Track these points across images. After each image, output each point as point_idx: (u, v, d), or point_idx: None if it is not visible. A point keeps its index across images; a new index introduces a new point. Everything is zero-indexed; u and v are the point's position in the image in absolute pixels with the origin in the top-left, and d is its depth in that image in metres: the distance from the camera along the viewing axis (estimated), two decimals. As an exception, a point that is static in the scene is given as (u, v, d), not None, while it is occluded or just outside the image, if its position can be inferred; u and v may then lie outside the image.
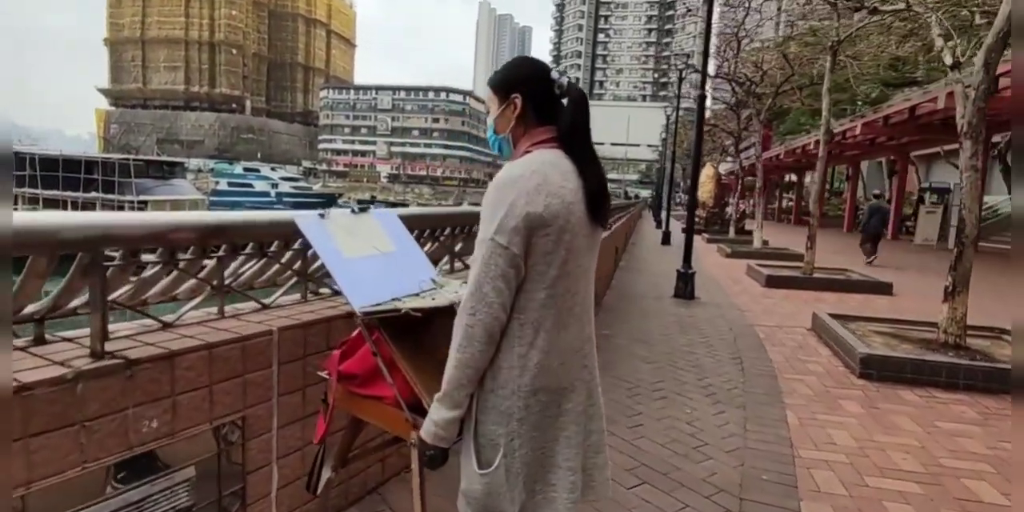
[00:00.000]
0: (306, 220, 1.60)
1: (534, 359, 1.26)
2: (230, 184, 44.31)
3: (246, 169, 47.91)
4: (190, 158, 58.63)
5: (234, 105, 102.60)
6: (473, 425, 1.30)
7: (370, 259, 1.67)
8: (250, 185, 44.06)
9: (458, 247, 3.19)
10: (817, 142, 10.79)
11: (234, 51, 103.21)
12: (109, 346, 1.48)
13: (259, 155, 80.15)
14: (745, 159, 18.08)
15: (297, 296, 2.19)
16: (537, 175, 1.23)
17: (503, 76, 1.37)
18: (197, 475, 1.60)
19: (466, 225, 3.16)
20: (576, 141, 1.32)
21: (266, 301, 2.03)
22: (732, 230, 18.27)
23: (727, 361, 4.71)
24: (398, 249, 1.79)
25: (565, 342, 1.30)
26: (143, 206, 23.12)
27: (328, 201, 46.02)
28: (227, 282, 1.82)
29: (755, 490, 2.58)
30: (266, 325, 1.84)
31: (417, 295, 1.65)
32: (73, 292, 1.49)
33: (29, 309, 1.45)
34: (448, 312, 1.60)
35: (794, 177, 31.77)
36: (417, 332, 1.58)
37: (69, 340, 1.55)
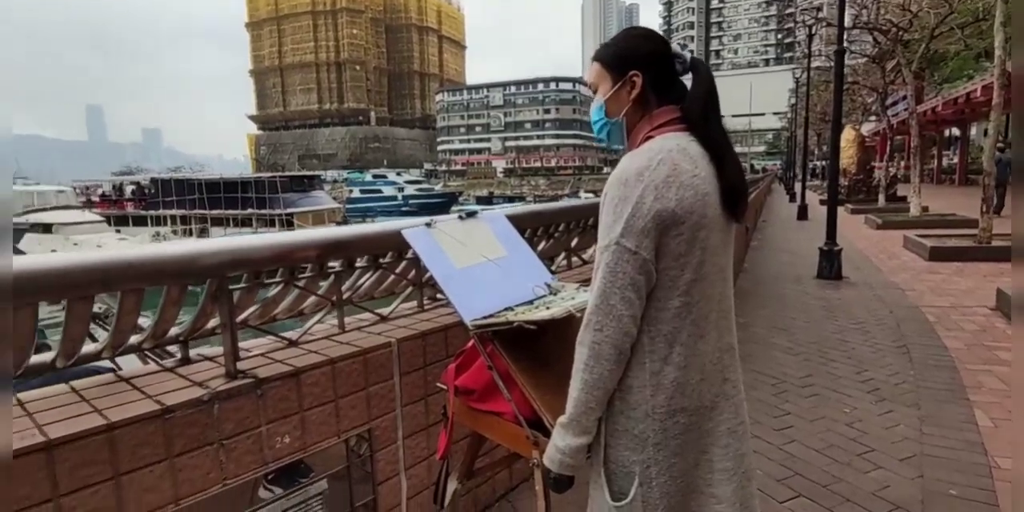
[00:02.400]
0: (413, 231, 1.56)
1: (669, 376, 1.10)
2: (362, 191, 47.72)
3: (375, 176, 51.34)
4: (326, 170, 63.91)
5: (361, 117, 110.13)
6: (602, 451, 1.16)
7: (480, 267, 1.59)
8: (379, 191, 47.16)
9: (574, 242, 3.06)
10: (986, 88, 9.17)
11: (358, 67, 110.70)
12: (241, 365, 1.55)
13: (385, 162, 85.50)
14: (893, 116, 15.92)
15: (414, 304, 2.19)
16: (665, 165, 1.06)
17: (617, 50, 1.19)
18: (329, 488, 1.63)
19: (580, 219, 3.01)
20: (707, 122, 1.13)
21: (384, 312, 2.04)
22: (882, 198, 16.22)
23: (890, 350, 4.12)
24: (509, 253, 1.70)
25: (703, 354, 1.13)
26: (290, 217, 25.56)
27: (449, 200, 47.89)
28: (345, 296, 1.84)
29: (942, 508, 2.18)
30: (385, 337, 1.85)
31: (531, 303, 1.55)
32: (208, 315, 1.57)
33: (173, 332, 1.55)
34: (565, 319, 1.48)
35: (956, 131, 27.56)
36: (533, 342, 1.48)
37: (209, 359, 1.65)
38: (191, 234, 25.39)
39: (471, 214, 1.78)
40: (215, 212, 26.38)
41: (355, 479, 1.71)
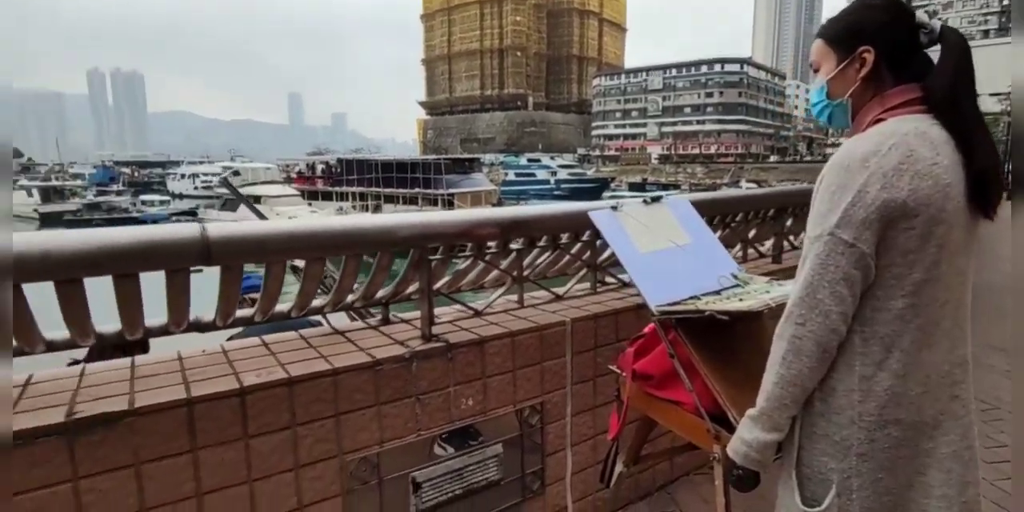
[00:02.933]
0: (599, 213, 1.58)
1: (883, 383, 1.00)
2: (516, 174, 49.06)
3: (529, 160, 52.49)
4: (484, 154, 66.68)
5: (519, 102, 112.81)
6: (795, 451, 1.09)
7: (665, 253, 1.57)
8: (533, 174, 48.14)
9: (751, 234, 2.87)
10: None
11: (519, 53, 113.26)
12: (434, 330, 1.69)
13: (540, 146, 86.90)
14: None
15: (586, 285, 2.22)
16: (898, 150, 0.95)
17: (845, 25, 1.08)
18: (504, 452, 1.73)
19: (760, 209, 2.82)
20: (955, 103, 0.99)
21: (559, 291, 2.10)
22: None
23: None
24: (694, 241, 1.65)
25: (929, 365, 1.01)
26: (451, 197, 27.16)
27: (601, 185, 47.45)
28: (525, 273, 1.92)
29: None
30: (560, 315, 1.90)
31: (718, 294, 1.49)
32: (408, 282, 1.73)
33: (379, 294, 1.73)
34: (754, 315, 1.41)
35: None
36: (718, 334, 1.43)
37: (406, 321, 1.83)
38: (367, 209, 28.08)
39: (656, 199, 1.75)
40: (387, 190, 28.89)
41: (526, 448, 1.79)
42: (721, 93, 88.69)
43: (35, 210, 32.35)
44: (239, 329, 1.81)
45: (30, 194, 34.39)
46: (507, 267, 1.89)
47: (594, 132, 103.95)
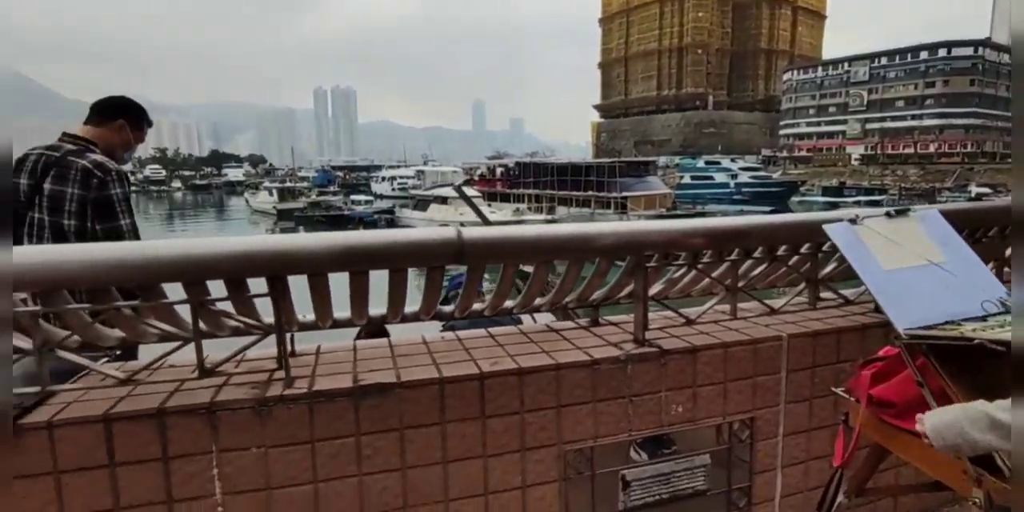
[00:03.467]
0: (837, 227, 1.49)
1: None
2: (692, 178, 46.91)
3: (707, 162, 49.86)
4: (659, 156, 64.91)
5: (697, 102, 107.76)
6: None
7: (914, 271, 1.43)
8: (710, 178, 45.65)
9: (1007, 252, 2.46)
10: None
11: (699, 51, 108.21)
12: (647, 335, 1.73)
13: (719, 148, 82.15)
14: None
15: (802, 300, 2.10)
16: None
17: None
18: (711, 463, 1.72)
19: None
20: None
21: (774, 304, 2.01)
22: None
23: None
24: (949, 259, 1.48)
25: None
26: (624, 200, 26.94)
27: (788, 190, 43.48)
28: (739, 284, 1.88)
29: None
30: (774, 330, 1.83)
31: (984, 320, 1.33)
32: (621, 286, 1.80)
33: (594, 296, 1.83)
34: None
35: None
36: (976, 365, 1.27)
37: (614, 324, 1.90)
38: (541, 211, 29.00)
39: (901, 211, 1.60)
40: (561, 193, 29.56)
41: (733, 462, 1.75)
42: (946, 82, 75.62)
43: (274, 207, 38.82)
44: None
45: (271, 194, 41.52)
46: (720, 276, 1.87)
47: (782, 131, 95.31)
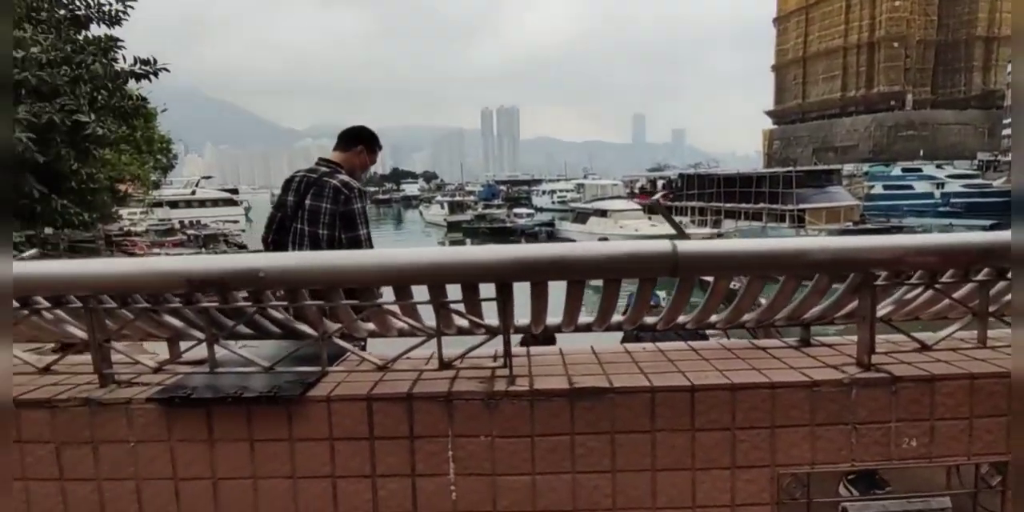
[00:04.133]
0: None
1: None
2: (885, 187, 41.45)
3: (904, 170, 43.74)
4: (843, 164, 58.47)
5: (892, 102, 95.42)
6: None
7: None
8: (908, 187, 39.93)
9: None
10: None
11: (895, 45, 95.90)
12: (873, 359, 1.60)
13: (921, 153, 71.61)
14: None
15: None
16: None
17: None
18: (951, 508, 1.53)
19: None
20: None
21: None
22: None
23: None
24: None
25: None
26: (801, 213, 24.69)
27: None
28: (993, 308, 1.66)
29: None
30: (1036, 363, 1.58)
31: None
32: (841, 306, 1.69)
33: (808, 314, 1.74)
34: None
35: None
36: None
37: (828, 346, 1.78)
38: (706, 224, 27.71)
39: None
40: (728, 205, 27.98)
41: (978, 511, 1.55)
42: None
43: (444, 219, 42.04)
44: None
45: (442, 207, 45.13)
46: (964, 298, 1.67)
47: (1006, 131, 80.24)
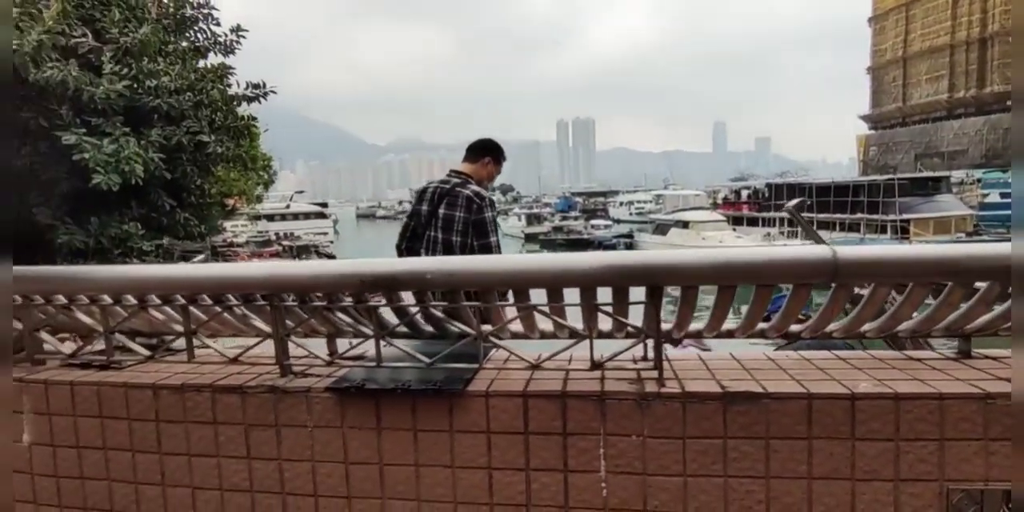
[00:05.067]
0: None
1: None
2: (1003, 195, 37.72)
3: (1027, 176, 39.58)
4: (951, 170, 53.86)
5: (1008, 102, 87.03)
6: None
7: None
8: (1033, 195, 36.07)
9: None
10: None
11: (1011, 39, 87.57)
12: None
13: (1045, 157, 64.46)
14: None
15: None
16: None
17: None
18: None
19: None
20: None
21: None
22: None
23: None
24: None
25: None
26: (905, 224, 22.97)
27: None
28: None
29: None
30: None
31: None
32: (1007, 318, 1.60)
33: (972, 324, 1.66)
34: None
35: None
36: None
37: (993, 359, 1.69)
38: (796, 236, 26.37)
39: None
40: (822, 216, 26.48)
41: None
42: None
43: (522, 231, 42.49)
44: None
45: (520, 219, 45.64)
46: None
47: None
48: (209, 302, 1.82)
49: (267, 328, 1.82)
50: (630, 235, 34.15)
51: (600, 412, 1.54)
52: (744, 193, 35.34)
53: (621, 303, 1.58)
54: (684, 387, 1.53)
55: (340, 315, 1.80)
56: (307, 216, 44.75)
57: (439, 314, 1.71)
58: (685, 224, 27.29)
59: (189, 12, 13.23)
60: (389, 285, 1.62)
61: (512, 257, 1.63)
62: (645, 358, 1.66)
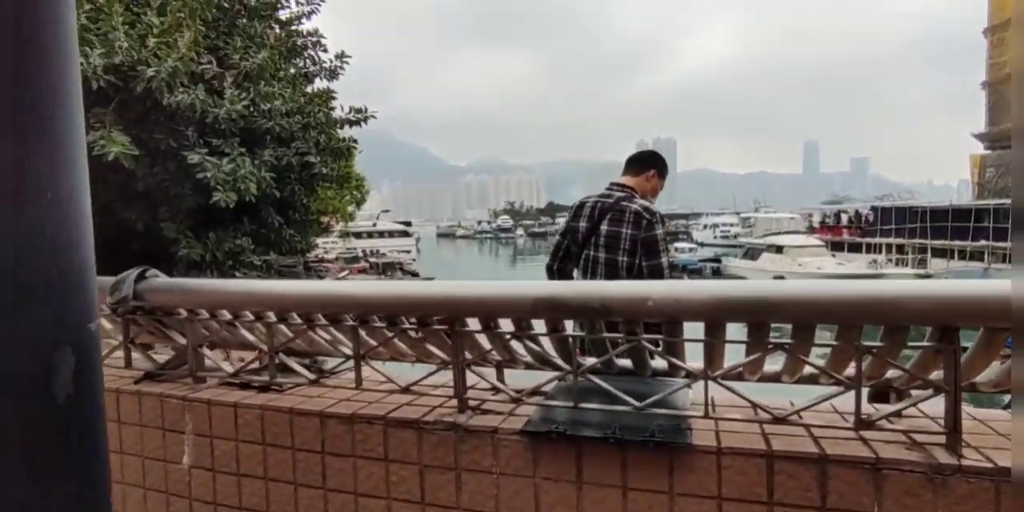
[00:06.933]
0: None
1: None
2: None
3: None
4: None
5: None
6: None
7: None
8: None
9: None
10: None
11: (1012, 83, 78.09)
12: None
13: None
14: None
15: None
16: None
17: None
18: None
19: None
20: None
21: None
22: None
23: None
24: None
25: None
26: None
27: None
28: None
29: None
30: None
31: None
32: None
33: None
34: None
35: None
36: None
37: None
38: (906, 263, 24.22)
39: None
40: (937, 242, 24.22)
41: None
42: None
43: (601, 253, 41.70)
44: None
45: (598, 240, 44.81)
46: None
47: None
48: (381, 324, 1.65)
49: (441, 354, 1.63)
50: (717, 259, 32.67)
51: (874, 485, 1.21)
52: (844, 216, 33.02)
53: (900, 345, 1.26)
54: (992, 460, 1.18)
55: (517, 343, 1.58)
56: (392, 234, 46.19)
57: (651, 347, 1.45)
58: (779, 249, 25.71)
59: (300, 40, 14.08)
60: (599, 312, 1.38)
61: (754, 284, 1.34)
62: (924, 416, 1.31)
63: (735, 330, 1.38)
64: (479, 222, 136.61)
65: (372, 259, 36.18)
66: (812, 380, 1.45)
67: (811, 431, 1.33)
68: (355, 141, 14.92)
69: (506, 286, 1.51)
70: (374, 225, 47.53)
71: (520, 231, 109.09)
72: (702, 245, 46.51)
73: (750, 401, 1.39)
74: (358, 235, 43.02)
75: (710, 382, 1.38)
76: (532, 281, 1.53)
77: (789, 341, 1.32)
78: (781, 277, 24.67)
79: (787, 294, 1.23)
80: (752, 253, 28.05)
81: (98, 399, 0.64)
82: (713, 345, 1.38)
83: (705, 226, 56.53)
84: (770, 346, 1.31)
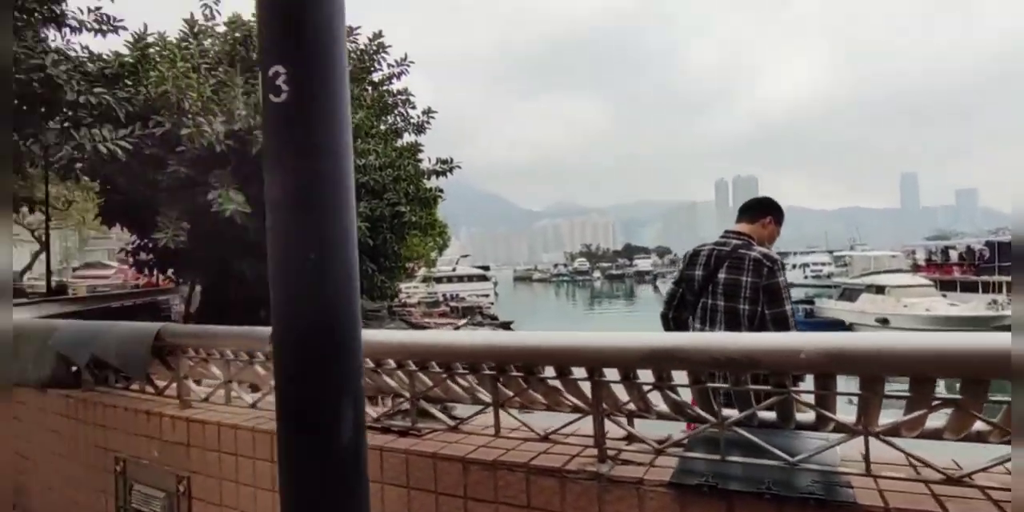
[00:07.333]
0: None
1: None
2: None
3: None
4: None
5: None
6: None
7: None
8: None
9: None
10: None
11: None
12: None
13: None
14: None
15: None
16: None
17: None
18: None
19: None
20: None
21: None
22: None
23: None
24: None
25: None
26: None
27: None
28: None
29: None
30: None
31: None
32: None
33: None
34: None
35: None
36: None
37: None
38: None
39: None
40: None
41: None
42: None
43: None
44: None
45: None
46: None
47: None
48: (518, 373, 1.73)
49: (579, 402, 1.68)
50: (810, 301, 30.79)
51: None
52: (952, 253, 30.39)
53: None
54: None
55: (671, 393, 1.60)
56: (471, 278, 47.13)
57: (801, 401, 1.43)
58: (880, 289, 23.91)
59: (391, 99, 15.10)
60: (744, 365, 1.39)
61: (921, 337, 1.30)
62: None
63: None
64: (555, 265, 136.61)
65: (452, 303, 36.90)
66: (979, 438, 1.37)
67: (989, 494, 1.25)
68: (440, 190, 15.64)
69: (650, 338, 1.54)
70: (454, 270, 48.72)
71: (597, 273, 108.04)
72: (792, 285, 44.01)
73: (916, 458, 1.33)
74: (438, 280, 44.20)
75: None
76: (659, 333, 1.56)
77: (958, 396, 1.27)
78: (884, 320, 22.79)
79: (959, 347, 1.19)
80: (849, 294, 26.23)
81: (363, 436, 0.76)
82: (870, 399, 1.35)
83: (794, 266, 53.69)
84: (937, 402, 1.27)
